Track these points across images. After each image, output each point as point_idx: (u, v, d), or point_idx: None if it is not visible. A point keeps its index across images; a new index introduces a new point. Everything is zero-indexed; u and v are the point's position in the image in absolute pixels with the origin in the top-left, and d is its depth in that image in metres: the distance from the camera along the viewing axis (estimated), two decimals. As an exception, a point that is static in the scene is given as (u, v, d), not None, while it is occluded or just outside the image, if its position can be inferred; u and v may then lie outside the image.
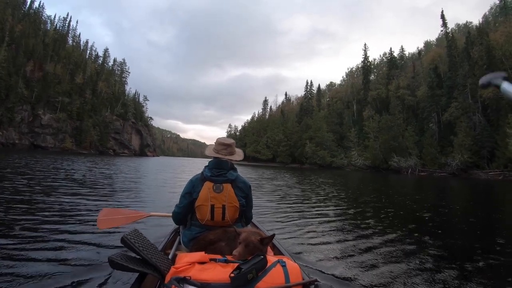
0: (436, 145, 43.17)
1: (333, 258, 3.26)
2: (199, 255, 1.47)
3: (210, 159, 2.16)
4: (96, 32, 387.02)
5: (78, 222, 4.22)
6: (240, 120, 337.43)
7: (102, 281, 2.35)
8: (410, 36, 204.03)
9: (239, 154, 2.19)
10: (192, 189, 2.03)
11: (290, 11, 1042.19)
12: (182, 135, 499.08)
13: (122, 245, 1.48)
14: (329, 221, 5.36)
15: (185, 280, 1.27)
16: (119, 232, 3.52)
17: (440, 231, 5.02)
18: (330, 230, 4.61)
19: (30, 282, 2.29)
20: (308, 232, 4.41)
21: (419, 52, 63.50)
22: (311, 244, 3.74)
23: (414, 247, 3.83)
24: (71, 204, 5.46)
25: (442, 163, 40.44)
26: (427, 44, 71.08)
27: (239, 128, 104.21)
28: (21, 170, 10.92)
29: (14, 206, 4.89)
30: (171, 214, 2.26)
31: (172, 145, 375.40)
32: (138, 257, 1.48)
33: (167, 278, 1.35)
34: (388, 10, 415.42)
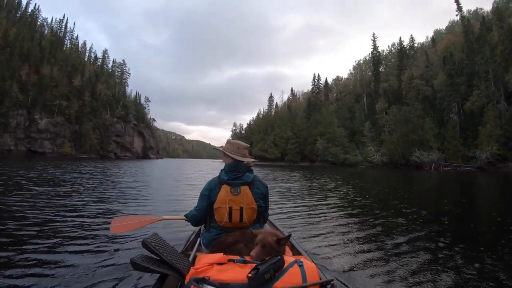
0: (459, 137, 40.30)
1: (352, 258, 3.23)
2: (218, 256, 1.48)
3: (225, 161, 2.14)
4: (93, 38, 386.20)
5: (96, 228, 4.22)
6: (243, 119, 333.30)
7: (124, 282, 2.36)
8: (409, 28, 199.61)
9: (251, 158, 2.18)
10: (210, 192, 2.01)
11: (283, 8, 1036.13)
12: (187, 137, 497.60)
13: (143, 249, 1.51)
14: (350, 223, 5.17)
15: (204, 281, 1.29)
16: (138, 236, 3.55)
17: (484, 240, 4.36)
18: (351, 231, 4.55)
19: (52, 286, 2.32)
20: (327, 232, 4.36)
21: (433, 39, 60.39)
22: (331, 245, 3.70)
23: (441, 252, 3.50)
24: (84, 210, 5.48)
25: (466, 156, 37.50)
26: (437, 32, 68.01)
27: (245, 126, 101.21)
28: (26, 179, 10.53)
29: (27, 215, 4.77)
30: (183, 217, 2.29)
31: (177, 146, 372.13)
32: (159, 259, 1.51)
33: (187, 278, 1.37)
34: (383, 3, 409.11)
